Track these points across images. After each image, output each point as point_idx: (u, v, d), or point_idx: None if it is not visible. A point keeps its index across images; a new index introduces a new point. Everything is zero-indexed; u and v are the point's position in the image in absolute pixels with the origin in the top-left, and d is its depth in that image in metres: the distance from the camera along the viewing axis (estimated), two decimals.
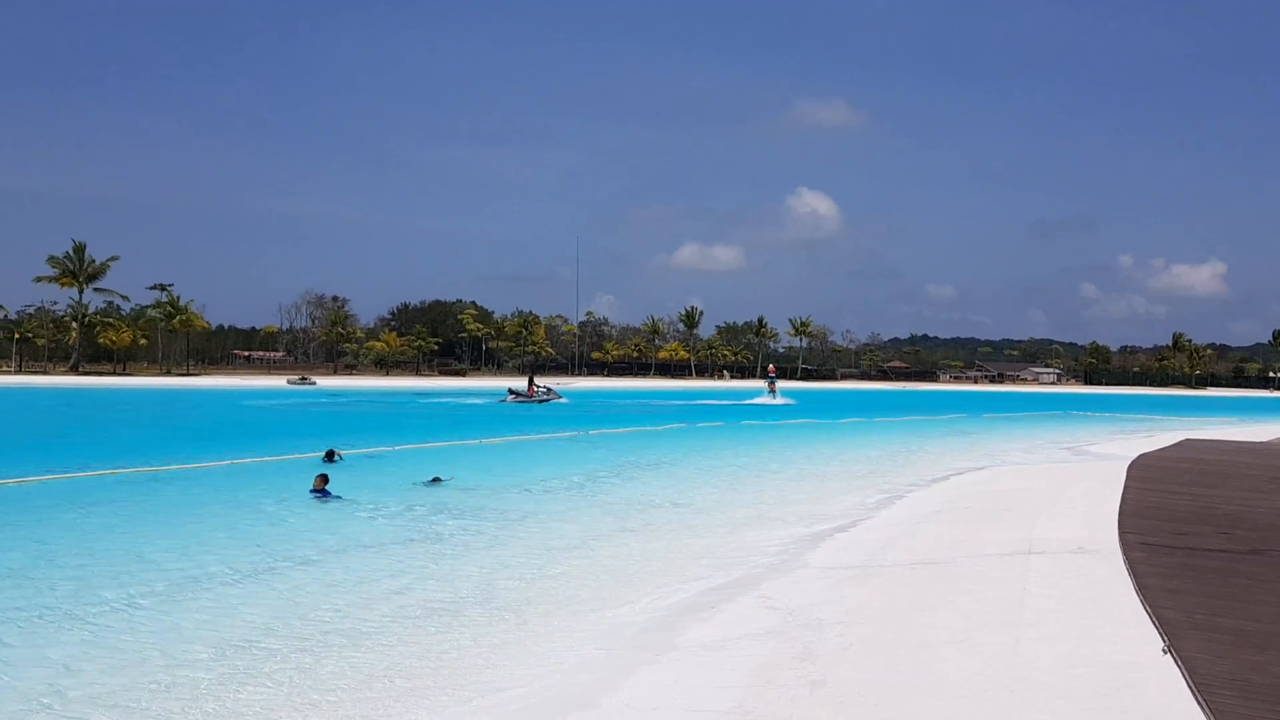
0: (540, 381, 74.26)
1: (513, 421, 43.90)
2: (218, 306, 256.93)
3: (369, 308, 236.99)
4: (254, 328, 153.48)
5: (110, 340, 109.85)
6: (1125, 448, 30.39)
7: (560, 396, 68.63)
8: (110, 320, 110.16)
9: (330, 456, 22.89)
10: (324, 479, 18.54)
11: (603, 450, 29.68)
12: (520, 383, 71.59)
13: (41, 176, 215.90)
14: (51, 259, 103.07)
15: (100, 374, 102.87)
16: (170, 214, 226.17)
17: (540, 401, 65.23)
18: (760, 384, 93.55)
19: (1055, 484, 19.18)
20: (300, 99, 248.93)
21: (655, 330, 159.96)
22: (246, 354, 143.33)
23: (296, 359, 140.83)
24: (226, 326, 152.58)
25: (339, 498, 18.00)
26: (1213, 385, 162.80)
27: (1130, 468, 20.96)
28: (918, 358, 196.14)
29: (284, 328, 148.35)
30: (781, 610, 9.34)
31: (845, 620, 8.69)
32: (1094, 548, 11.45)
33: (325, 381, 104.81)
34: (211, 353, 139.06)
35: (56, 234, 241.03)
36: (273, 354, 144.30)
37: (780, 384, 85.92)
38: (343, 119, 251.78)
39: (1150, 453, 25.78)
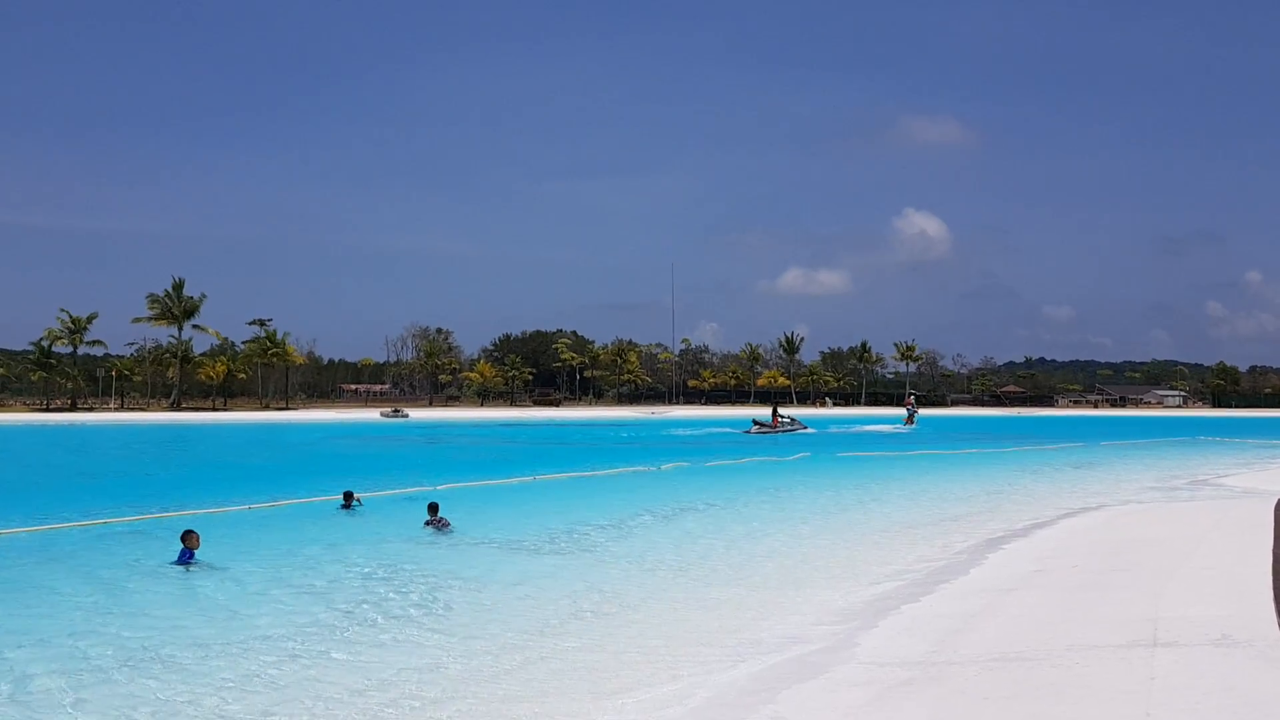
0: (783, 411, 72.89)
1: (582, 456, 41.44)
2: (329, 341, 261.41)
3: (474, 339, 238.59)
4: (363, 361, 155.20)
5: (208, 376, 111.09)
6: (1266, 480, 26.60)
7: (805, 427, 66.99)
8: (201, 358, 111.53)
9: (348, 500, 20.61)
10: (193, 537, 14.24)
11: (661, 487, 26.92)
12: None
13: (147, 217, 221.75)
14: (150, 297, 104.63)
15: (200, 409, 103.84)
16: (279, 251, 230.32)
17: (784, 431, 63.76)
18: (897, 411, 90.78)
19: (1185, 531, 15.86)
20: (405, 135, 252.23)
21: (754, 357, 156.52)
22: (354, 388, 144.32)
23: (402, 392, 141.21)
24: (336, 360, 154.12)
25: (208, 566, 14.04)
26: None
27: (1277, 508, 17.48)
28: (1033, 382, 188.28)
29: (390, 360, 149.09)
30: None
31: None
32: (1245, 636, 8.37)
33: (420, 414, 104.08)
34: (321, 386, 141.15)
35: (162, 274, 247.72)
36: (377, 387, 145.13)
37: (882, 410, 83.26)
38: (448, 154, 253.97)
39: None
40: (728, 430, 68.26)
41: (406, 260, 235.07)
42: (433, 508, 17.91)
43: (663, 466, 34.09)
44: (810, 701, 7.72)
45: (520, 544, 16.88)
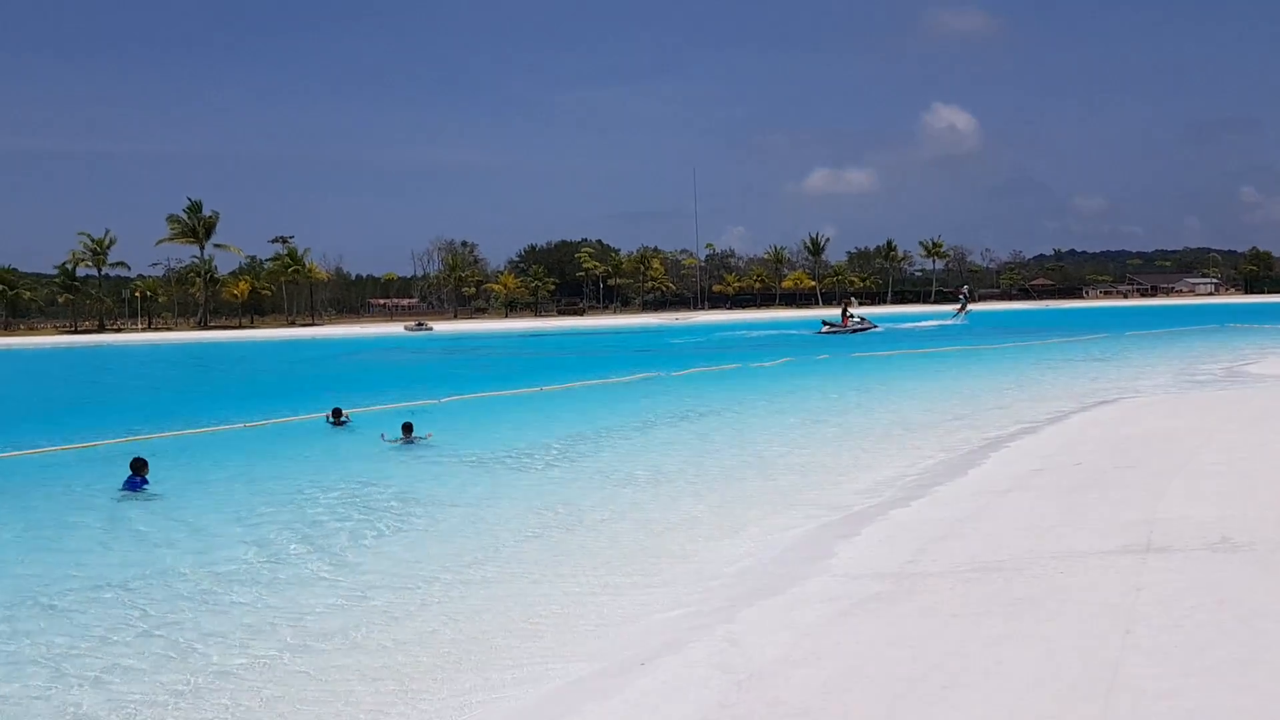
0: (853, 311, 71.83)
1: (587, 365, 40.91)
2: (358, 257, 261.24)
3: (500, 251, 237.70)
4: (386, 276, 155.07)
5: (232, 295, 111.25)
6: None
7: (875, 325, 66.30)
8: (226, 278, 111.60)
9: (337, 416, 20.15)
10: (142, 464, 13.66)
11: (665, 396, 26.35)
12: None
13: (165, 139, 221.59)
14: (170, 217, 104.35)
15: (227, 328, 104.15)
16: (303, 169, 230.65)
17: (855, 331, 63.60)
18: (924, 308, 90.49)
19: (1198, 424, 15.18)
20: (424, 48, 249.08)
21: (779, 259, 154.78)
22: (382, 302, 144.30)
23: (430, 305, 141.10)
24: (364, 276, 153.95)
25: (155, 495, 13.46)
26: None
27: None
28: (1063, 274, 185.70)
29: (418, 274, 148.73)
30: (731, 676, 6.02)
31: (812, 712, 5.34)
32: (1246, 538, 7.78)
33: (444, 327, 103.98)
34: (350, 302, 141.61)
35: (183, 195, 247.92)
36: (405, 301, 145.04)
37: (909, 308, 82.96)
38: (469, 66, 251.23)
39: None
40: (794, 332, 67.88)
41: (431, 174, 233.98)
42: (407, 428, 17.45)
43: (674, 374, 33.53)
44: (767, 620, 7.21)
45: (497, 459, 16.26)
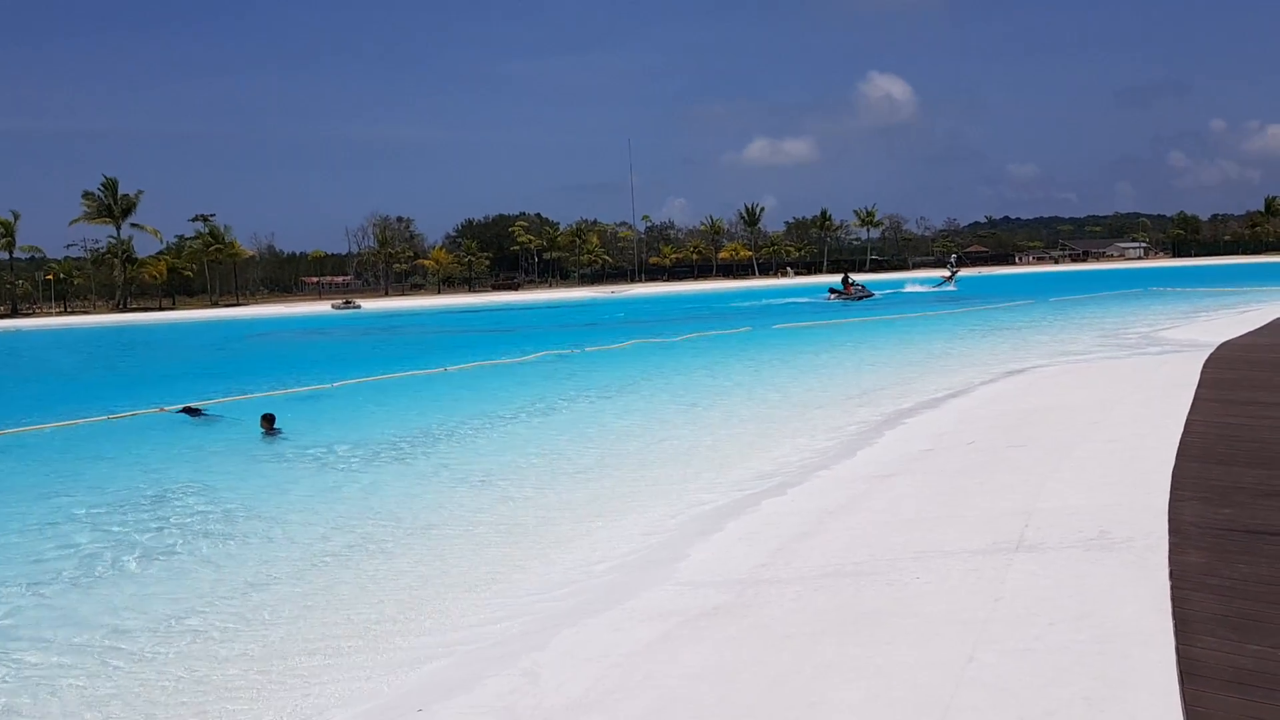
0: (854, 279, 74.10)
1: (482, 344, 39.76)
2: (292, 234, 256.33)
3: (438, 226, 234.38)
4: (325, 254, 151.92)
5: (152, 276, 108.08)
6: (1208, 331, 25.29)
7: (872, 293, 67.57)
8: (146, 259, 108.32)
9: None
10: None
11: (559, 377, 25.19)
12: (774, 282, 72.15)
13: (82, 116, 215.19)
14: (86, 195, 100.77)
15: (146, 311, 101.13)
16: (230, 146, 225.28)
17: (858, 299, 64.65)
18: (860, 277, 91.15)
19: (1103, 395, 14.51)
20: (359, 18, 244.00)
21: (716, 230, 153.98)
22: (315, 280, 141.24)
23: (366, 282, 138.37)
24: (298, 254, 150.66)
25: None
26: None
27: (1207, 364, 16.13)
28: (996, 240, 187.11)
29: (352, 251, 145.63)
30: None
31: None
32: (1125, 532, 6.96)
33: (375, 304, 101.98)
34: (283, 280, 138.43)
35: (111, 174, 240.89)
36: (340, 279, 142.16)
37: (820, 279, 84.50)
38: (404, 37, 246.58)
39: (1237, 339, 20.73)
40: (794, 301, 68.88)
41: (366, 149, 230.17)
42: (267, 419, 16.22)
43: (587, 349, 32.46)
44: (582, 646, 6.26)
45: (349, 453, 14.73)
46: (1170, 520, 7.01)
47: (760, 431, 15.03)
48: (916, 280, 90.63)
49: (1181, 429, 10.43)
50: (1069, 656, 4.94)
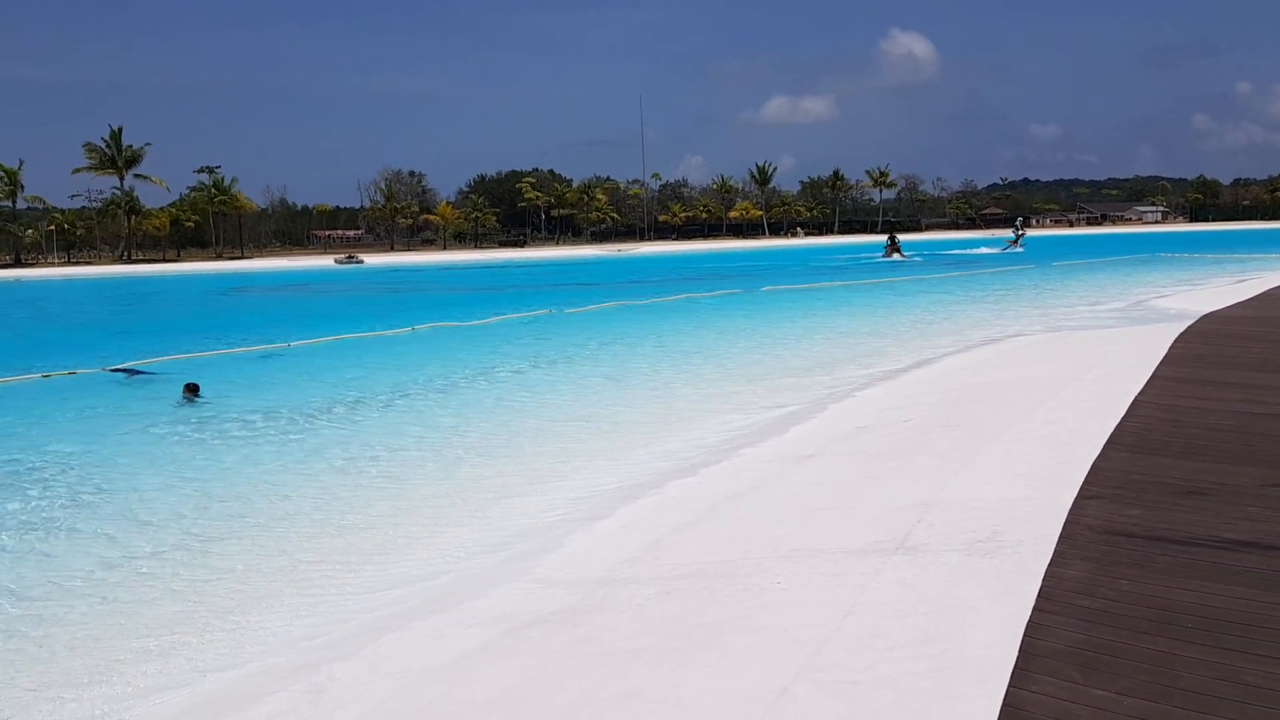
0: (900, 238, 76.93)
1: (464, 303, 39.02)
2: (306, 187, 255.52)
3: (450, 181, 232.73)
4: (337, 207, 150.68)
5: (155, 227, 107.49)
6: (1198, 300, 24.41)
7: (914, 257, 70.12)
8: (150, 210, 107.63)
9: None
10: None
11: (523, 340, 24.40)
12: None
13: (101, 66, 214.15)
14: (88, 146, 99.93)
15: (150, 262, 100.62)
16: (244, 97, 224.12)
17: (904, 259, 67.37)
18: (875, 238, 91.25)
19: (1063, 370, 13.74)
20: None
21: (726, 189, 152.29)
22: (327, 234, 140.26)
23: (378, 237, 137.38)
24: (311, 207, 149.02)
25: None
26: None
27: (1181, 338, 15.37)
28: (1013, 203, 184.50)
29: (363, 205, 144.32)
30: None
31: None
32: (1016, 534, 6.28)
33: (379, 259, 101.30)
34: (295, 233, 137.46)
35: (118, 124, 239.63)
36: (352, 232, 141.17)
37: (830, 240, 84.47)
38: None
39: (1221, 310, 19.91)
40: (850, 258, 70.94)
41: (381, 102, 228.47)
42: (190, 388, 15.49)
43: (566, 310, 31.71)
44: (388, 658, 5.63)
45: (255, 424, 13.72)
46: (1067, 522, 6.32)
47: (699, 405, 14.26)
48: (985, 242, 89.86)
49: (1124, 411, 9.71)
50: (890, 695, 4.27)
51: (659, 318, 28.49)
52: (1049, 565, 5.56)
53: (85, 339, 28.09)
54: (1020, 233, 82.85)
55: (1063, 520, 6.37)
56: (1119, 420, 9.32)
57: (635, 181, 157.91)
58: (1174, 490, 6.91)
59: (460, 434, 12.80)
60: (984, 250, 75.57)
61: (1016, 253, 71.70)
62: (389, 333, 25.83)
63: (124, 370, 18.35)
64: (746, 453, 10.58)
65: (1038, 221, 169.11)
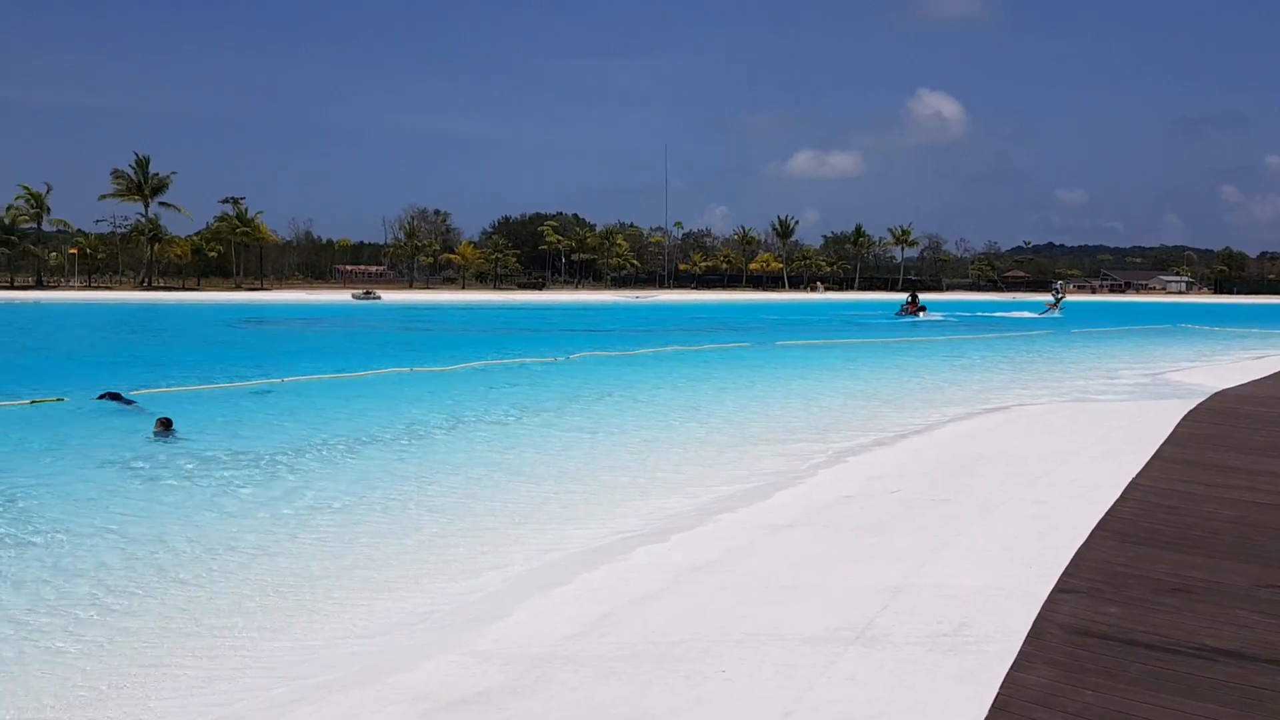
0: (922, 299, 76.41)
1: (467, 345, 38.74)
2: (332, 222, 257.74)
3: (475, 221, 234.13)
4: (361, 242, 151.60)
5: (176, 255, 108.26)
6: (1213, 376, 23.95)
7: (933, 314, 70.17)
8: (173, 237, 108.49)
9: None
10: None
11: (529, 385, 24.12)
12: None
13: (138, 94, 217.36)
14: (115, 173, 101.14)
15: (168, 290, 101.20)
16: (274, 130, 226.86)
17: (921, 317, 66.80)
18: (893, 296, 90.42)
19: (1063, 444, 13.30)
20: (408, 9, 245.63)
21: (747, 240, 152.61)
22: (349, 268, 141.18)
23: (400, 273, 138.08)
24: (333, 241, 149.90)
25: None
26: None
27: (1189, 415, 14.91)
28: (1036, 266, 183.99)
29: (387, 241, 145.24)
30: None
31: None
32: (984, 629, 5.87)
33: (396, 296, 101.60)
34: (319, 266, 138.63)
35: (146, 152, 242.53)
36: (374, 268, 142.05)
37: (876, 295, 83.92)
38: (451, 30, 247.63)
39: (1235, 388, 19.42)
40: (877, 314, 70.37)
41: (410, 140, 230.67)
42: (164, 423, 15.16)
43: (571, 356, 31.36)
44: None
45: (219, 466, 13.08)
46: (1039, 618, 5.90)
47: (685, 465, 13.75)
48: (1024, 305, 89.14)
49: (1119, 494, 9.27)
50: None
51: (663, 369, 28.08)
52: (1010, 669, 5.13)
53: (87, 364, 27.94)
54: (1059, 296, 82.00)
55: (1034, 616, 5.95)
56: (1112, 504, 8.89)
57: (658, 229, 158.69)
58: (1158, 586, 6.47)
59: (424, 487, 12.12)
60: (1024, 314, 74.29)
61: (1055, 317, 71.02)
62: (384, 371, 25.54)
63: (112, 398, 18.11)
64: (724, 519, 10.15)
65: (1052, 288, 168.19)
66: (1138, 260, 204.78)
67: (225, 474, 12.62)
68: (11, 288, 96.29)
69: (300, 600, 8.00)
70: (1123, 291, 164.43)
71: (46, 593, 8.16)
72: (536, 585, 8.04)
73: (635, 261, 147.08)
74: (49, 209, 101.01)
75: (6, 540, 9.56)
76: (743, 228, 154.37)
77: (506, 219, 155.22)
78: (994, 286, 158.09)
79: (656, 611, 6.96)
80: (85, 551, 9.26)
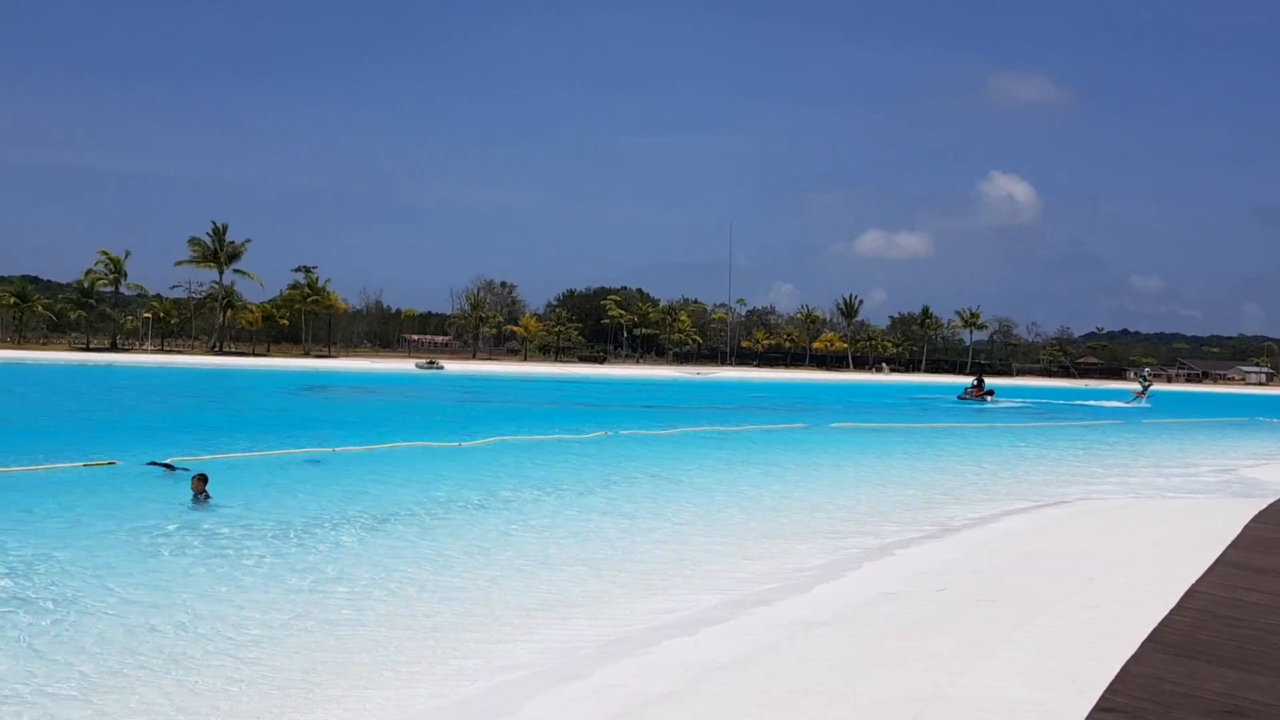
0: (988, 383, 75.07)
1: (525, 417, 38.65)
2: (401, 292, 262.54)
3: (541, 294, 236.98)
4: (429, 312, 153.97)
5: (248, 322, 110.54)
6: None
7: (1002, 400, 69.24)
8: (246, 304, 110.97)
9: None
10: None
11: (575, 461, 23.84)
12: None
13: (206, 164, 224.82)
14: (192, 240, 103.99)
15: (238, 355, 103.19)
16: (348, 203, 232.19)
17: (990, 403, 65.70)
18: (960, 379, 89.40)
19: (1123, 544, 12.70)
20: (476, 90, 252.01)
21: (810, 319, 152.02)
22: (416, 338, 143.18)
23: (465, 343, 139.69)
24: (400, 310, 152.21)
25: None
26: None
27: (1259, 516, 14.20)
28: (1110, 353, 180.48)
29: (454, 312, 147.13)
30: None
31: None
32: None
33: (458, 366, 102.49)
34: (386, 335, 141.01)
35: (228, 220, 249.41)
36: (441, 338, 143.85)
37: (943, 378, 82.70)
38: (519, 109, 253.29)
39: None
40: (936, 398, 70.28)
41: (480, 213, 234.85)
42: (200, 479, 15.17)
43: (621, 432, 31.07)
44: None
45: (245, 536, 12.92)
46: None
47: (724, 552, 13.34)
48: (1104, 394, 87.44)
49: (1176, 602, 8.72)
50: None
51: (714, 448, 27.68)
52: None
53: (147, 427, 28.31)
54: (1147, 384, 79.39)
55: None
56: (1167, 612, 8.34)
57: (721, 305, 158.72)
58: (1209, 708, 5.96)
59: (447, 568, 11.82)
60: (1113, 403, 71.20)
61: (1143, 406, 68.84)
62: (435, 444, 25.46)
63: (162, 465, 18.22)
64: (759, 612, 9.75)
65: (1132, 375, 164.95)
66: (1215, 349, 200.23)
67: (246, 547, 12.43)
68: (88, 349, 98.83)
69: (290, 695, 7.66)
70: (1199, 381, 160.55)
71: (39, 664, 8.01)
72: (553, 679, 7.71)
73: (698, 337, 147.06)
74: (126, 274, 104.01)
75: (35, 600, 9.48)
76: (807, 306, 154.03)
77: (571, 292, 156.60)
78: (1066, 373, 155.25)
79: (671, 715, 6.60)
80: (98, 621, 9.14)
